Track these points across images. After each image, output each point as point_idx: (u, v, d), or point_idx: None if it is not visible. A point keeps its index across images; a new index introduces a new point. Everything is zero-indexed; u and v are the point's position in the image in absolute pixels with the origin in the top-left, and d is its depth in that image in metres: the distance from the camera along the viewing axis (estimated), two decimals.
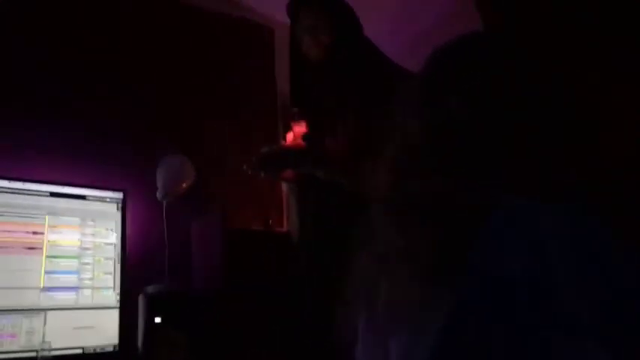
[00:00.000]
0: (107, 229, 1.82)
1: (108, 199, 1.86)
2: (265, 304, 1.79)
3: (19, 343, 1.50)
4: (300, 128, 1.29)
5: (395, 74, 1.26)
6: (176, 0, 2.47)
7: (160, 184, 1.95)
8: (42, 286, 1.62)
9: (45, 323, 1.57)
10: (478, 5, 2.54)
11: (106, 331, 1.68)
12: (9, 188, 1.67)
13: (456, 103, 0.61)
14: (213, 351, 1.70)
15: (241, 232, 2.01)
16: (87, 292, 1.70)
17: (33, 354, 1.48)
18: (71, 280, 1.69)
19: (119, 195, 1.88)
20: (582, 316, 0.44)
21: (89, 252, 1.76)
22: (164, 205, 1.96)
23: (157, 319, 1.66)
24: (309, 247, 1.30)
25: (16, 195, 1.68)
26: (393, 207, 0.67)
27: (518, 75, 0.61)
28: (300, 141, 1.29)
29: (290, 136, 1.31)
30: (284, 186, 2.33)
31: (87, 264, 1.74)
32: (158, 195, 1.94)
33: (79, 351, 1.61)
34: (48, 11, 2.10)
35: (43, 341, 1.50)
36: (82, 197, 1.81)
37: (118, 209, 1.86)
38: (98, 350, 1.64)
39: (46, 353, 1.47)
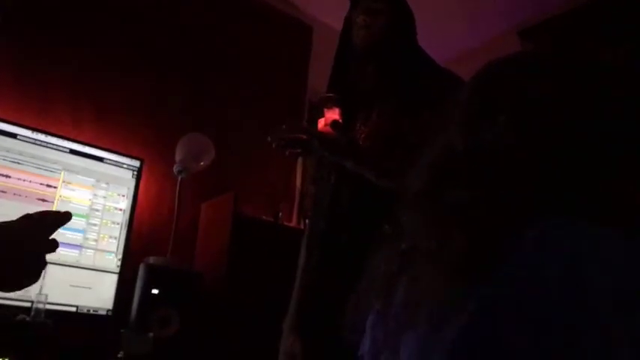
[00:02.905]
0: (119, 195, 1.82)
1: (125, 166, 1.86)
2: (265, 296, 1.78)
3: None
4: (332, 115, 1.27)
5: (442, 76, 1.25)
6: None
7: (178, 158, 1.95)
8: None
9: (44, 276, 1.56)
10: (521, 35, 2.55)
11: (102, 294, 1.67)
12: (31, 138, 1.68)
13: (505, 121, 0.60)
14: (204, 332, 1.69)
15: (251, 221, 2.00)
16: (89, 252, 1.70)
17: (28, 304, 1.48)
18: (76, 238, 1.69)
19: (136, 163, 1.88)
20: (617, 334, 0.43)
21: (98, 213, 1.76)
22: (179, 180, 1.95)
23: (155, 291, 1.65)
24: (322, 233, 1.28)
25: (37, 146, 1.69)
26: (425, 209, 0.66)
27: (572, 98, 0.60)
28: (329, 128, 1.26)
29: (321, 123, 1.28)
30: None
31: (94, 225, 1.74)
32: (175, 169, 1.94)
33: (73, 309, 1.60)
34: None
35: (40, 293, 1.49)
36: (100, 159, 1.81)
37: (133, 177, 1.86)
38: (92, 311, 1.63)
39: (40, 305, 1.46)
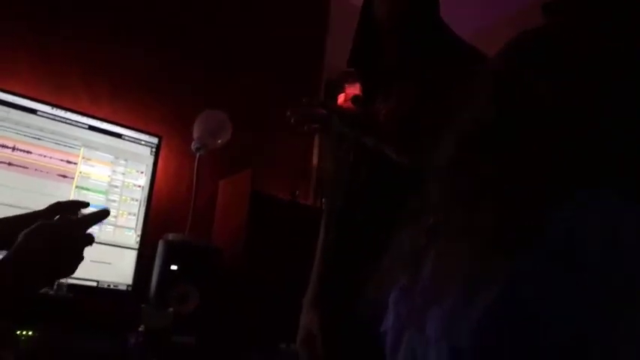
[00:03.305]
0: (138, 171, 1.83)
1: (143, 142, 1.86)
2: (283, 273, 1.78)
3: None
4: (353, 90, 1.24)
5: (465, 51, 1.22)
6: None
7: (196, 135, 1.95)
8: None
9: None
10: (544, 9, 2.48)
11: (121, 270, 1.69)
12: (50, 114, 1.69)
13: (546, 86, 0.57)
14: (223, 307, 1.70)
15: (268, 198, 2.00)
16: (109, 228, 1.72)
17: None
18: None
19: (154, 140, 1.88)
20: None
21: (117, 190, 1.77)
22: (197, 157, 1.95)
23: (173, 267, 1.66)
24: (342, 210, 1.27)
25: (57, 122, 1.70)
26: (454, 182, 0.64)
27: (615, 65, 0.58)
28: (349, 103, 1.24)
29: (341, 98, 1.25)
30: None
31: (113, 201, 1.75)
32: (193, 146, 1.94)
33: (94, 284, 1.62)
34: None
35: None
36: (119, 136, 1.82)
37: (151, 153, 1.87)
38: (112, 287, 1.65)
39: (63, 280, 1.49)
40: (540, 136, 0.56)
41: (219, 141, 1.99)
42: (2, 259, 0.73)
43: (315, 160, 2.53)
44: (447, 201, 0.62)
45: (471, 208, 0.57)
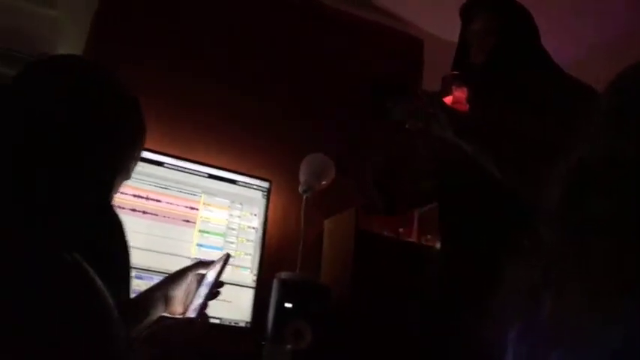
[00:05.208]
0: (252, 214, 1.96)
1: (255, 187, 2.00)
2: (392, 310, 1.80)
3: None
4: (461, 94, 1.23)
5: (564, 83, 1.20)
6: (329, 8, 2.60)
7: (302, 178, 2.05)
8: (192, 256, 1.79)
9: None
10: None
11: (240, 307, 1.81)
12: (175, 165, 1.88)
13: None
14: (336, 344, 1.74)
15: (372, 236, 2.04)
16: (228, 268, 1.84)
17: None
18: (216, 255, 1.84)
19: (265, 184, 2.02)
20: None
21: (234, 232, 1.91)
22: (304, 198, 2.06)
23: (288, 305, 1.74)
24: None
25: (181, 172, 1.88)
26: (566, 219, 0.64)
27: None
28: (463, 106, 1.22)
29: (449, 100, 1.24)
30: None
31: (231, 243, 1.89)
32: (300, 188, 2.04)
33: (217, 321, 1.75)
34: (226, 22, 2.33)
35: None
36: (234, 182, 1.97)
37: (263, 197, 2.00)
38: (233, 324, 1.77)
39: None
40: None
41: (323, 182, 2.09)
42: None
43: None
44: (559, 240, 0.63)
45: (584, 247, 0.58)
